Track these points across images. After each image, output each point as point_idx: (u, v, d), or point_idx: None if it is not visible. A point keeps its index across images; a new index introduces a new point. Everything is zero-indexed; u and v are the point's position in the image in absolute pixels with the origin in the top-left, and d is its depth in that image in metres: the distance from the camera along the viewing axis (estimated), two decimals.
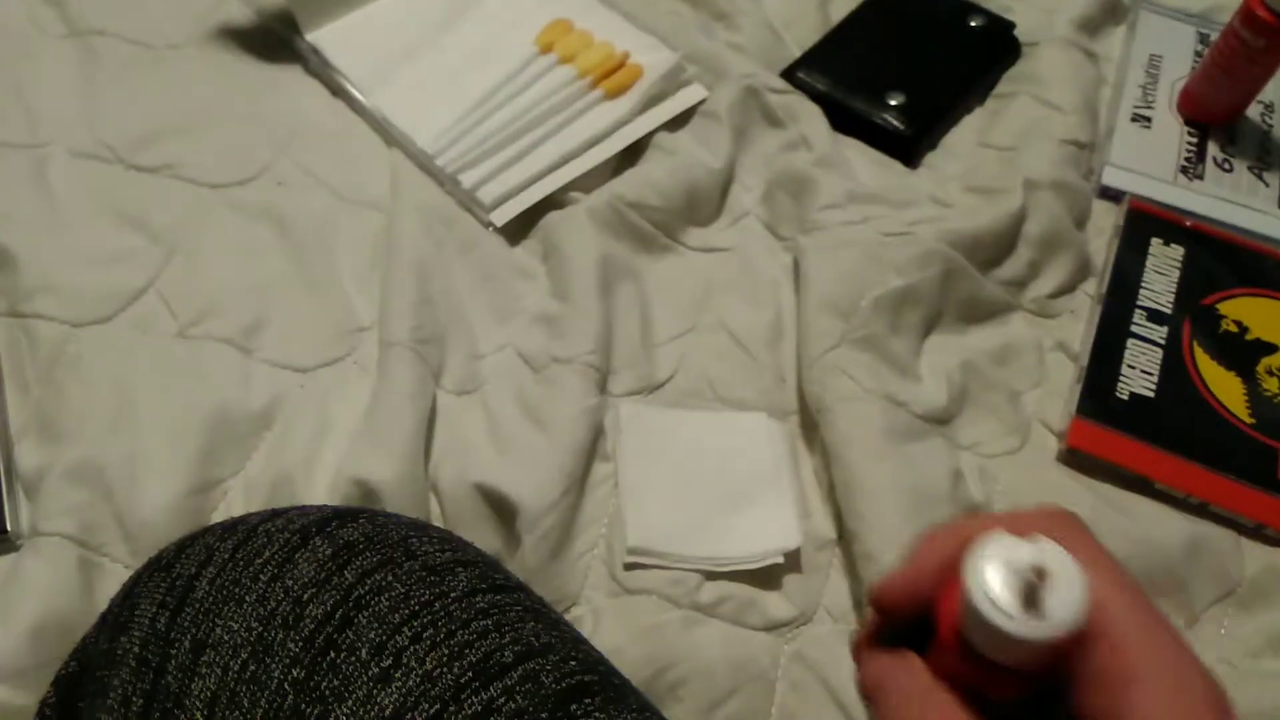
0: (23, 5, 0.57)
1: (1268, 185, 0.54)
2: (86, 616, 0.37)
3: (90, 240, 0.47)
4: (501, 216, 0.49)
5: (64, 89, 0.53)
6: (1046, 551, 0.20)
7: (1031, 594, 0.20)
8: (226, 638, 0.27)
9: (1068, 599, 0.20)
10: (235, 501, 0.41)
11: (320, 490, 0.41)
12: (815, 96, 0.55)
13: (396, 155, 0.52)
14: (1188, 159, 0.55)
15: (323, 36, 0.56)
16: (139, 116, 0.53)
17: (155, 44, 0.56)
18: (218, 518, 0.41)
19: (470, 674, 0.26)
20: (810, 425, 0.44)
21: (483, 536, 0.40)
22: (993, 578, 0.20)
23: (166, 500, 0.40)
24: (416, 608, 0.27)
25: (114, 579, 0.38)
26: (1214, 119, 0.56)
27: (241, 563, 0.28)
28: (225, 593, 0.27)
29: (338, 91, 0.55)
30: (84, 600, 0.38)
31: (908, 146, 0.54)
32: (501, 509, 0.40)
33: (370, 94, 0.54)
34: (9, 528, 0.39)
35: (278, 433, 0.43)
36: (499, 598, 0.29)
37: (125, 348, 0.44)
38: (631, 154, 0.53)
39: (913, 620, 0.23)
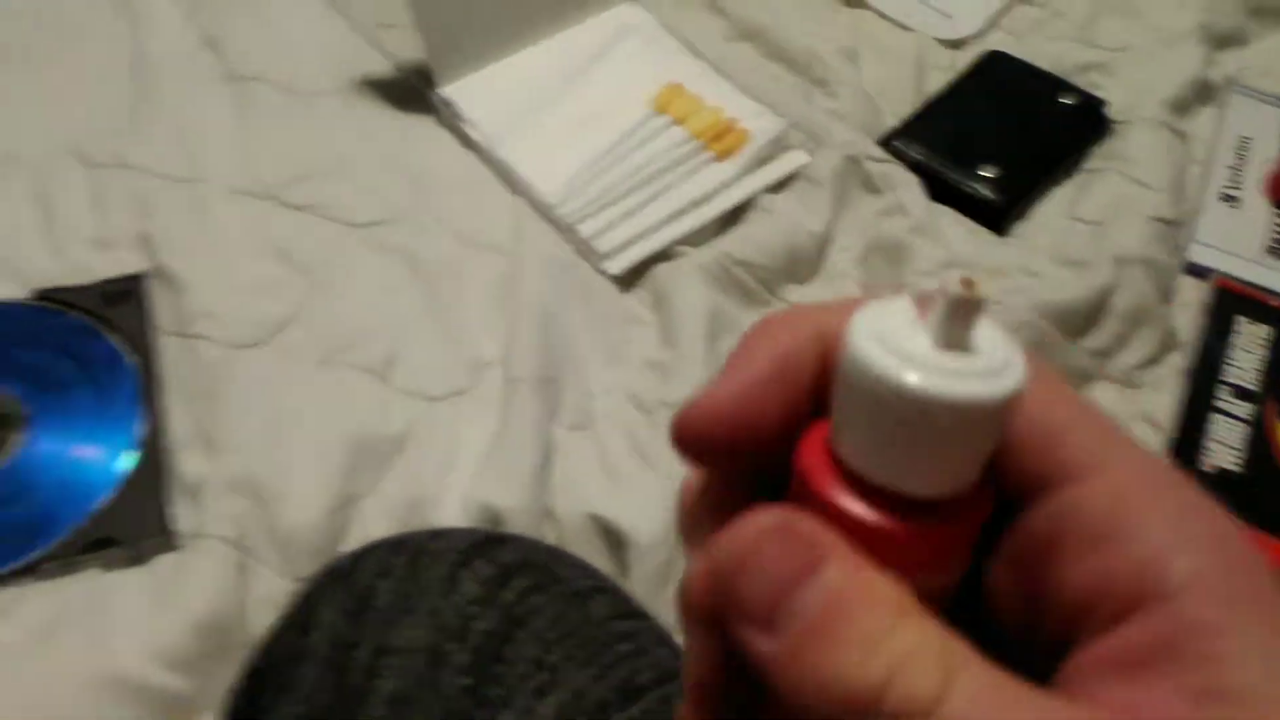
0: (185, 50, 0.63)
1: None
2: (240, 615, 0.42)
3: (245, 270, 0.52)
4: (617, 265, 0.53)
5: (222, 129, 0.59)
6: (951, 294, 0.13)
7: (953, 340, 0.13)
8: (405, 644, 0.30)
9: (999, 342, 0.13)
10: (370, 519, 0.45)
11: (449, 512, 0.45)
12: (912, 165, 0.58)
13: (520, 203, 0.57)
14: (1275, 240, 0.57)
15: (454, 90, 0.60)
16: (288, 157, 0.58)
17: (303, 91, 0.62)
18: (355, 533, 0.44)
19: (614, 693, 0.29)
20: None
21: (596, 562, 0.43)
22: (890, 327, 0.13)
23: (312, 514, 0.44)
24: (568, 629, 0.31)
25: (264, 582, 0.42)
26: None
27: (415, 577, 0.32)
28: (402, 603, 0.31)
29: (466, 142, 0.60)
30: (238, 599, 0.42)
31: (999, 217, 0.57)
32: (613, 538, 0.44)
33: (497, 145, 0.58)
34: (173, 528, 0.44)
35: (410, 456, 0.47)
36: (633, 624, 0.32)
37: (276, 371, 0.48)
38: (736, 213, 0.56)
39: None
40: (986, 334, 0.13)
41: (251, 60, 0.62)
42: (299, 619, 0.32)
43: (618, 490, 0.45)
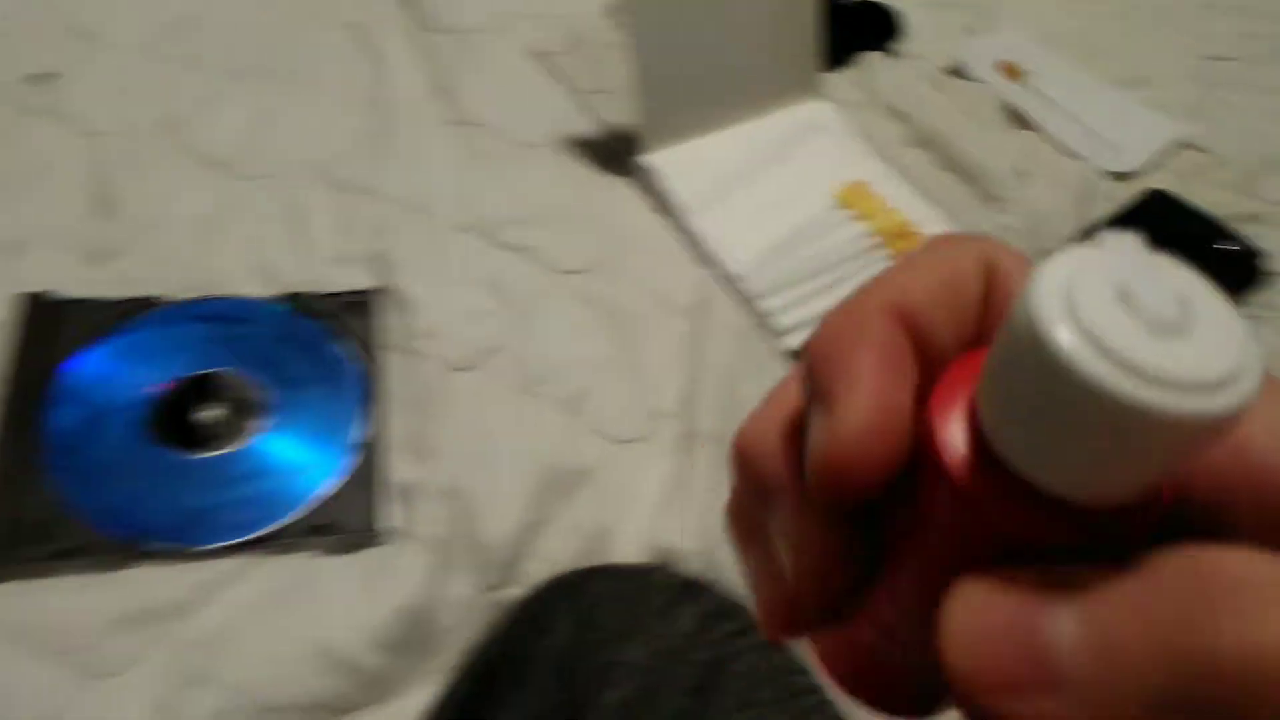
0: (419, 94, 0.70)
1: None
2: (433, 611, 0.47)
3: (463, 298, 0.58)
4: (795, 341, 0.58)
5: (448, 168, 0.65)
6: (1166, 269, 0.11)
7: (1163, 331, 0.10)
8: (630, 660, 0.35)
9: (1227, 338, 0.10)
10: (555, 543, 0.50)
11: (629, 547, 0.49)
12: None
13: (704, 273, 0.62)
14: None
15: (657, 158, 0.66)
16: (504, 200, 0.64)
17: (519, 141, 0.68)
18: (539, 556, 0.49)
19: None
20: None
21: None
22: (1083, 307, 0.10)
23: (505, 530, 0.49)
24: (767, 674, 0.35)
25: (457, 584, 0.47)
26: None
27: (639, 603, 0.36)
28: (628, 624, 0.35)
29: (661, 209, 0.65)
30: (434, 596, 0.47)
31: None
32: None
33: (691, 215, 0.63)
34: (383, 524, 0.49)
35: (594, 490, 0.51)
36: (809, 679, 0.36)
37: (483, 393, 0.54)
38: None
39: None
40: (1208, 308, 0.10)
41: (476, 108, 0.69)
42: (533, 622, 0.37)
43: None
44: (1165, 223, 0.67)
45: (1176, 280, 0.10)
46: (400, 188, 0.63)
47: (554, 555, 0.49)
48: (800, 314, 0.58)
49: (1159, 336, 0.10)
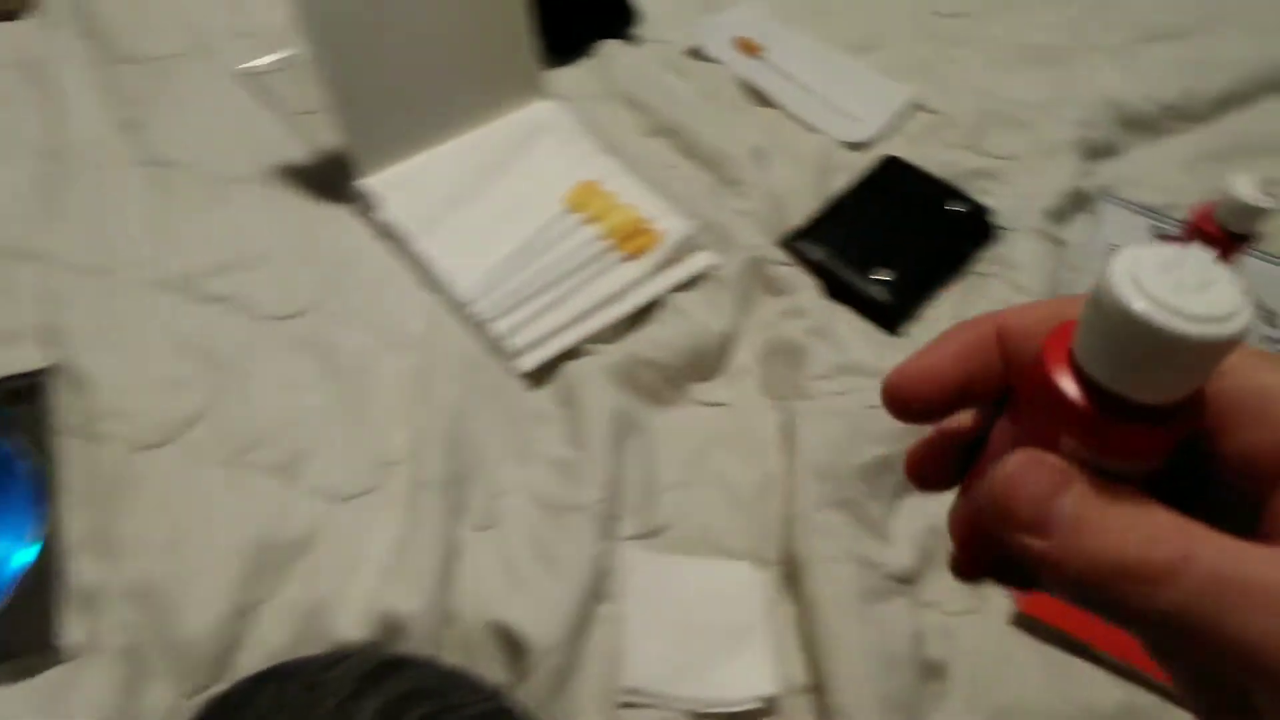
0: (102, 133, 0.63)
1: None
2: None
3: (154, 367, 0.52)
4: (527, 363, 0.55)
5: (137, 216, 0.59)
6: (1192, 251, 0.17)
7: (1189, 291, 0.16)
8: None
9: (1232, 302, 0.16)
10: (269, 626, 0.45)
11: (351, 619, 0.45)
12: (812, 265, 0.62)
13: (434, 298, 0.58)
14: None
15: (374, 181, 0.62)
16: (204, 247, 0.58)
17: (222, 177, 0.62)
18: (252, 642, 0.45)
19: None
20: (791, 575, 0.49)
21: (493, 668, 0.45)
22: (1146, 273, 0.16)
23: (208, 624, 0.44)
24: None
25: (155, 694, 0.43)
26: None
27: (308, 711, 0.33)
28: None
29: (384, 234, 0.61)
30: (127, 715, 0.42)
31: (892, 318, 0.60)
32: (512, 643, 0.45)
33: (414, 239, 0.59)
34: (58, 640, 0.43)
35: (313, 560, 0.47)
36: None
37: (179, 472, 0.49)
38: (645, 311, 0.59)
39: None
40: (1222, 283, 0.16)
41: (170, 145, 0.63)
42: None
43: (519, 594, 0.46)
44: (899, 188, 0.68)
45: (1196, 258, 0.17)
46: (76, 247, 0.56)
47: (268, 641, 0.44)
48: (532, 333, 0.56)
49: (1192, 292, 0.16)
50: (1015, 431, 0.19)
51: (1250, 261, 0.66)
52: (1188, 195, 0.67)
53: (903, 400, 0.20)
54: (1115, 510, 0.17)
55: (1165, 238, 0.67)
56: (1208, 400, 0.18)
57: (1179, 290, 0.16)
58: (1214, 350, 0.16)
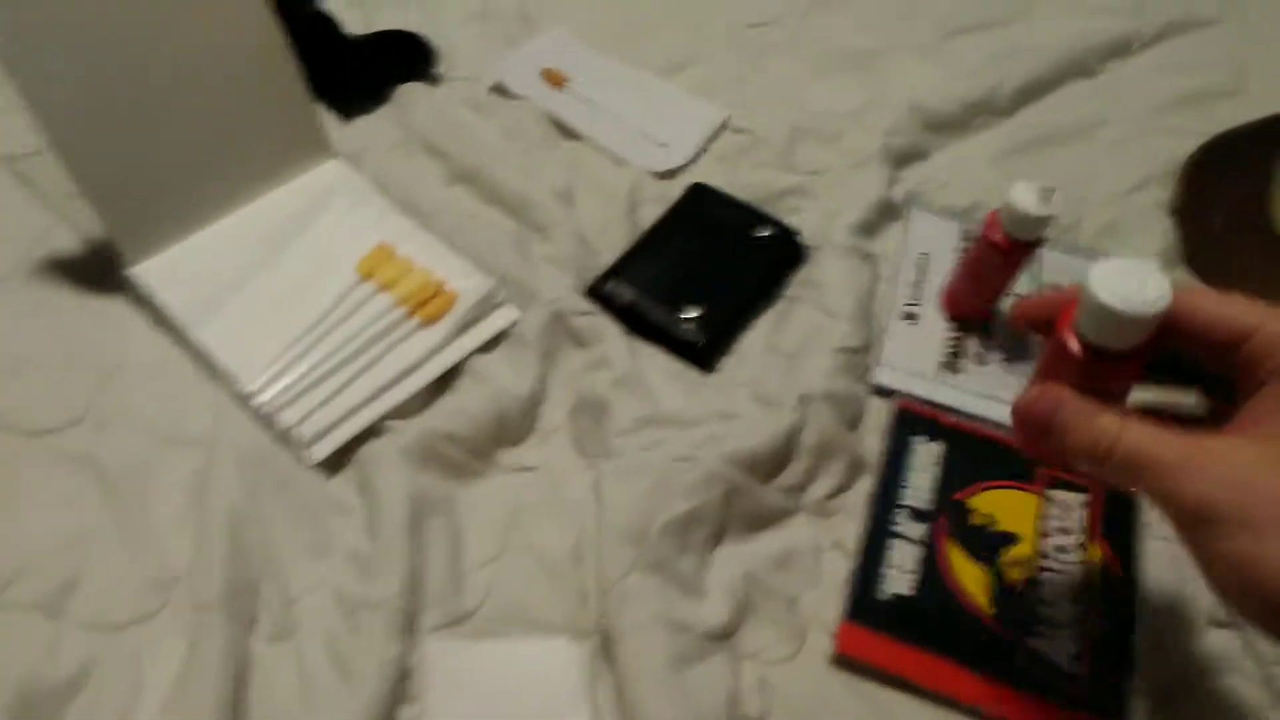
0: None
1: (1017, 378, 0.61)
2: None
3: None
4: (318, 453, 0.52)
5: None
6: (1141, 268, 0.36)
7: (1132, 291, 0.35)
8: None
9: (1160, 293, 0.35)
10: None
11: None
12: (620, 308, 0.61)
13: (219, 391, 0.55)
14: (949, 355, 0.62)
15: (145, 269, 0.58)
16: None
17: None
18: None
19: None
20: (609, 640, 0.48)
21: None
22: (1106, 284, 0.35)
23: None
24: None
25: None
26: (971, 317, 0.63)
27: None
28: None
29: (163, 324, 0.57)
30: None
31: (702, 356, 0.60)
32: None
33: (192, 328, 0.56)
34: None
35: (87, 700, 0.44)
36: None
37: None
38: (447, 377, 0.57)
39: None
40: (1154, 281, 0.35)
41: None
42: None
43: (312, 714, 0.44)
44: (707, 216, 0.67)
45: (1139, 269, 0.35)
46: None
47: None
48: (323, 419, 0.53)
49: (1135, 288, 0.35)
50: (1046, 362, 0.39)
51: (1051, 255, 0.67)
52: (996, 193, 0.68)
53: (1017, 317, 0.43)
54: (1083, 418, 0.36)
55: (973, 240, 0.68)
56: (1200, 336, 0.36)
57: (1126, 286, 0.35)
58: (1148, 320, 0.35)
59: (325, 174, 0.64)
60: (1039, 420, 0.37)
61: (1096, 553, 0.53)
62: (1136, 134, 0.76)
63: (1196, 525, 0.32)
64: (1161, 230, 0.69)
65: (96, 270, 0.59)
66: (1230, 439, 0.33)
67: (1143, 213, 0.71)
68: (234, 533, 0.48)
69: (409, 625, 0.47)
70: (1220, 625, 0.50)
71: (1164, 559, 0.53)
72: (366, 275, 0.59)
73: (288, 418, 0.53)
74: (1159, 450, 0.33)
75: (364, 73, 0.73)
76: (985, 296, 0.62)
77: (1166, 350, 0.37)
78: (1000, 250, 0.57)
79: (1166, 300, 0.34)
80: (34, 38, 0.49)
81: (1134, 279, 0.35)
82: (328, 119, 0.69)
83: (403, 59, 0.75)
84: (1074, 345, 0.37)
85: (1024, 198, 0.55)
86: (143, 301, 0.58)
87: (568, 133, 0.73)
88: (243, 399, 0.54)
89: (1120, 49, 0.83)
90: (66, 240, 0.61)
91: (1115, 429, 0.34)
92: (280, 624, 0.47)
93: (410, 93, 0.74)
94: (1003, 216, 0.56)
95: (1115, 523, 0.54)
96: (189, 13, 0.55)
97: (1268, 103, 0.75)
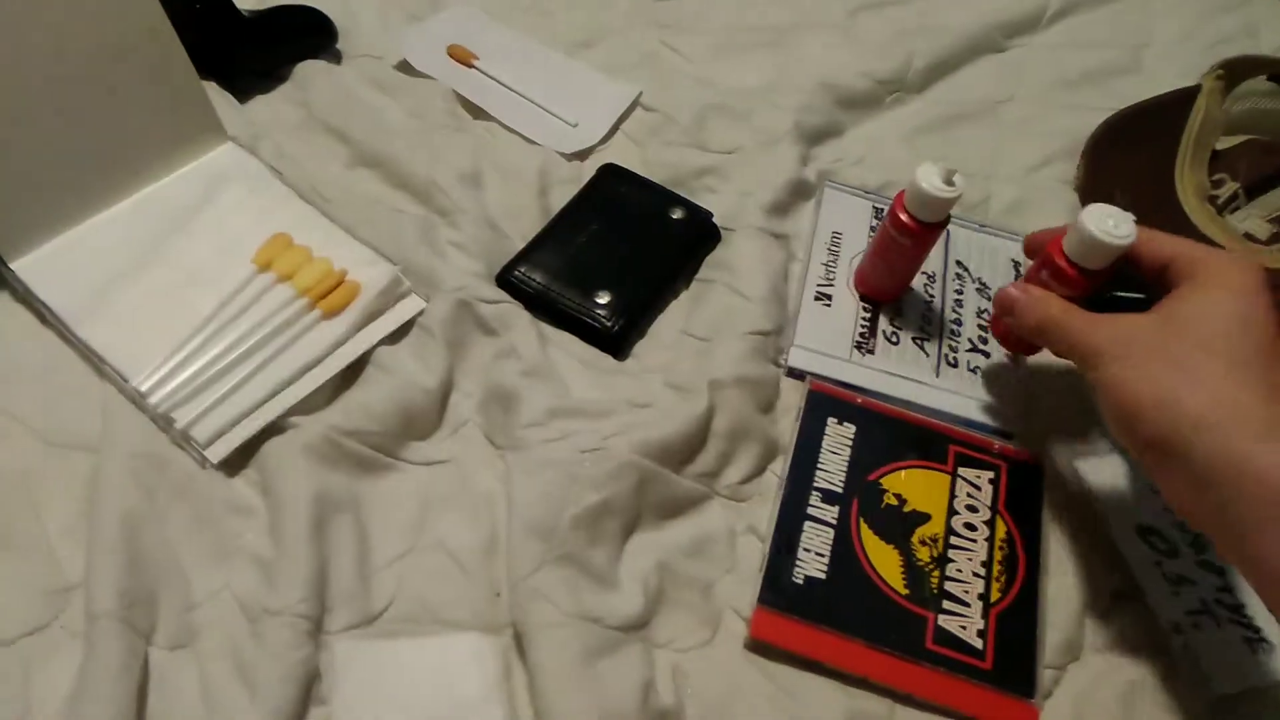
0: None
1: (928, 355, 0.62)
2: None
3: None
4: (217, 454, 0.51)
5: None
6: (1120, 214, 0.49)
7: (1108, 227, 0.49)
8: None
9: (1127, 231, 0.48)
10: None
11: None
12: (529, 295, 0.60)
13: (109, 391, 0.52)
14: (862, 335, 0.62)
15: (29, 264, 0.55)
16: None
17: None
18: None
19: None
20: (520, 636, 0.48)
21: None
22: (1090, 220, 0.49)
23: None
24: None
25: None
26: (882, 297, 0.64)
27: None
28: None
29: (48, 321, 0.55)
30: None
31: (615, 343, 0.59)
32: None
33: (79, 325, 0.53)
34: None
35: None
36: None
37: None
38: (354, 370, 0.55)
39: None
40: (1125, 222, 0.49)
41: None
42: None
43: None
44: (618, 198, 0.66)
45: (1117, 214, 0.50)
46: None
47: None
48: (220, 418, 0.51)
49: (1114, 226, 0.49)
50: (1033, 273, 0.54)
51: (959, 232, 0.68)
52: (907, 171, 0.68)
53: (1025, 247, 0.55)
54: (1038, 304, 0.50)
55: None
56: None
57: (1105, 224, 0.49)
58: (1118, 248, 0.48)
59: (218, 159, 0.62)
60: (1007, 299, 0.53)
61: (1003, 529, 0.54)
62: (1042, 111, 0.77)
63: (1089, 363, 0.47)
64: (1068, 206, 0.71)
65: None
66: (1131, 316, 0.47)
67: (1049, 190, 0.72)
68: (129, 539, 0.47)
69: (315, 629, 0.46)
70: (1121, 597, 0.52)
71: (1068, 533, 0.54)
72: (264, 266, 0.57)
73: (182, 417, 0.51)
74: (1079, 320, 0.48)
75: (260, 50, 0.69)
76: (896, 277, 0.63)
77: (1123, 272, 0.51)
78: (908, 232, 0.58)
79: (1133, 238, 0.49)
80: None
81: (1110, 217, 0.49)
82: (222, 100, 0.66)
83: (302, 35, 0.72)
84: (1063, 261, 0.51)
85: (928, 180, 0.55)
86: (24, 299, 0.55)
87: (476, 112, 0.71)
88: (134, 399, 0.52)
89: (1028, 25, 0.84)
90: None
91: (1060, 306, 0.50)
92: (181, 631, 0.46)
93: (310, 70, 0.71)
94: (908, 198, 0.57)
95: (1021, 498, 0.55)
96: None
97: (1166, 79, 0.76)
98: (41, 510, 0.48)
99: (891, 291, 0.64)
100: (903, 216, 0.57)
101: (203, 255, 0.57)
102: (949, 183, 0.55)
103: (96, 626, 0.44)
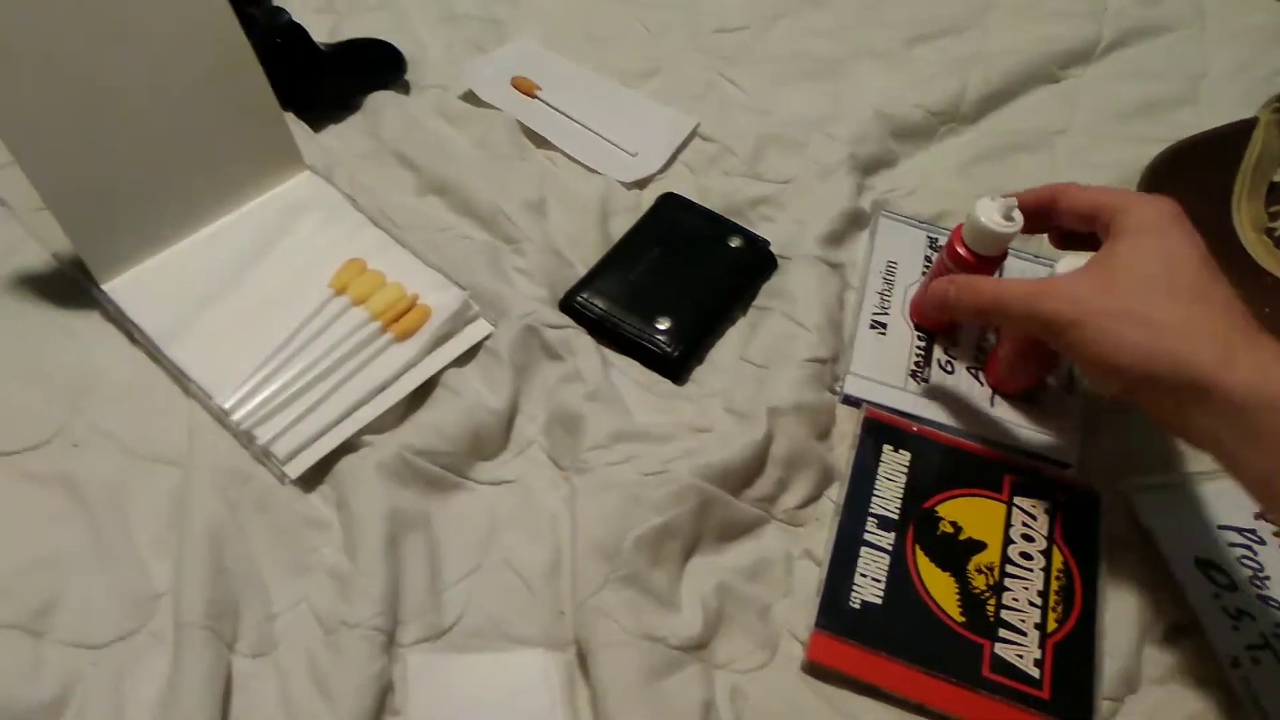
0: None
1: (982, 384, 0.62)
2: None
3: None
4: (295, 469, 0.53)
5: None
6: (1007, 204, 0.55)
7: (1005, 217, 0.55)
8: None
9: (1017, 221, 0.55)
10: None
11: None
12: (591, 321, 0.61)
13: (194, 408, 0.55)
14: (916, 363, 0.63)
15: (118, 285, 0.58)
16: None
17: None
18: None
19: None
20: (584, 653, 0.49)
21: None
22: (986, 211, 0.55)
23: None
24: None
25: None
26: (936, 327, 0.65)
27: None
28: None
29: (137, 340, 0.57)
30: None
31: (675, 368, 0.61)
32: None
33: (167, 345, 0.56)
34: None
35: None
36: None
37: None
38: (422, 392, 0.57)
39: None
40: (1014, 213, 0.55)
41: None
42: None
43: None
44: (678, 226, 0.68)
45: (1004, 204, 0.55)
46: None
47: None
48: (298, 436, 0.53)
49: (1003, 218, 0.55)
50: (937, 269, 0.60)
51: (1014, 263, 0.68)
52: (962, 201, 0.69)
53: (1023, 205, 0.56)
54: (969, 284, 0.54)
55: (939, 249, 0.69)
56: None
57: (995, 215, 0.55)
58: (1009, 236, 0.56)
59: (297, 187, 0.64)
60: (938, 294, 0.56)
61: (1059, 559, 0.54)
62: (1097, 142, 0.78)
63: (1052, 332, 0.49)
64: None
65: (67, 286, 0.59)
66: (1072, 275, 0.49)
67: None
68: (215, 551, 0.49)
69: (389, 642, 0.48)
70: (1180, 630, 0.52)
71: (1126, 565, 0.54)
72: (340, 290, 0.59)
73: (263, 434, 0.53)
74: (1020, 289, 0.51)
75: (336, 82, 0.72)
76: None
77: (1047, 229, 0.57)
78: (965, 265, 0.58)
79: (1018, 227, 0.55)
80: None
81: (1001, 211, 0.55)
82: (299, 129, 0.69)
83: (373, 67, 0.75)
84: (963, 250, 0.57)
85: (987, 214, 0.56)
86: (115, 318, 0.58)
87: (539, 142, 0.73)
88: (218, 416, 0.54)
89: (1083, 55, 0.85)
90: (37, 255, 0.60)
91: (990, 285, 0.53)
92: (261, 640, 0.48)
93: (380, 101, 0.74)
94: (966, 232, 0.58)
95: (1077, 529, 0.56)
96: (155, 27, 0.55)
97: (1223, 110, 0.76)
98: (130, 521, 0.51)
99: (948, 324, 0.64)
100: (960, 250, 0.58)
101: (282, 279, 0.60)
102: (1008, 218, 0.56)
103: (185, 635, 0.46)
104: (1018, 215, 0.56)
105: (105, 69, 0.54)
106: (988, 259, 0.58)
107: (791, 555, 0.55)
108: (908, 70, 0.82)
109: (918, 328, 0.65)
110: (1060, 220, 0.54)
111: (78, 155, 0.54)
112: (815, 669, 0.50)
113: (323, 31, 0.77)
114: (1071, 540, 0.55)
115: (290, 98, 0.68)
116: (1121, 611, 0.53)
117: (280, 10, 0.73)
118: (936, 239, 0.70)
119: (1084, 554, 0.55)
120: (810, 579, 0.54)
